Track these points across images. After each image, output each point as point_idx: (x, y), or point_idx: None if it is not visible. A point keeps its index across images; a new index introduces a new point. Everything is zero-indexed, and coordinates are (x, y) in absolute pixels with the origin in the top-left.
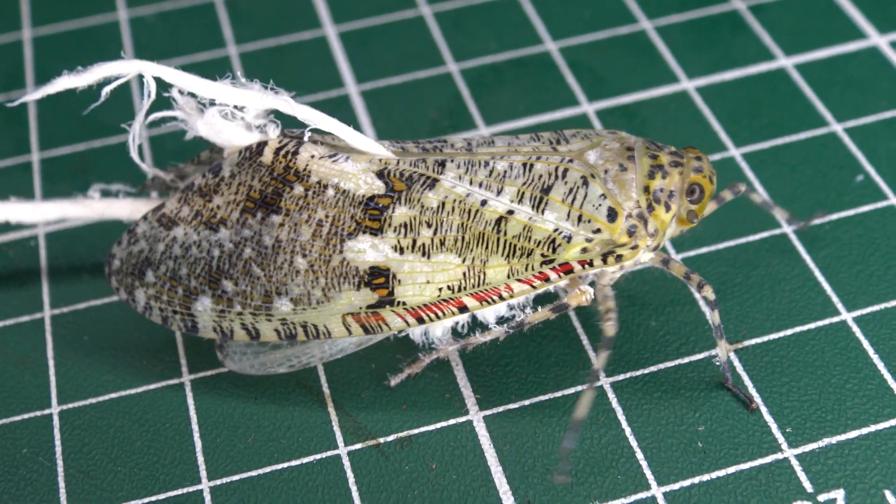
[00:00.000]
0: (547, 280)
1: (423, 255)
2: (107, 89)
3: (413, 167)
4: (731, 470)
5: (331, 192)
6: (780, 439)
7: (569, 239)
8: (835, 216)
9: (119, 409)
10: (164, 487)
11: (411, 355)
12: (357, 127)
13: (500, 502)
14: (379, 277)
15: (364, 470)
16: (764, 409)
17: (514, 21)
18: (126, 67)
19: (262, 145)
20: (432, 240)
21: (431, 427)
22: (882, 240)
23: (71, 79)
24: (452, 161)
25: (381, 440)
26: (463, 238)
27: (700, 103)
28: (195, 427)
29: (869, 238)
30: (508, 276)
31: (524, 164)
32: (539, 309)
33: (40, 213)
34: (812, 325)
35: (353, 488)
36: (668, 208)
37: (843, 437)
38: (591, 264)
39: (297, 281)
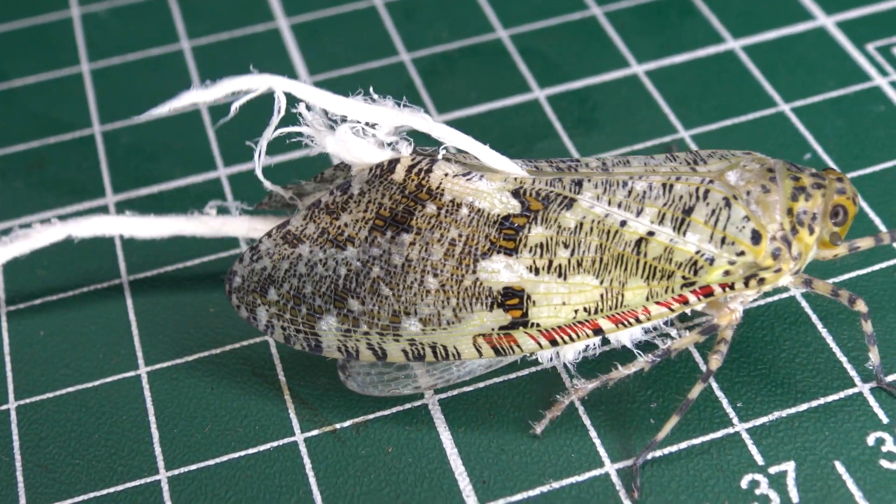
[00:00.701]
0: (686, 303)
1: (560, 276)
2: (236, 104)
3: (549, 186)
4: (684, 445)
5: (465, 210)
6: (731, 414)
7: (711, 261)
8: None
9: (76, 402)
10: (121, 479)
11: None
12: None
13: (456, 483)
14: (513, 298)
15: (321, 456)
16: (714, 385)
17: (466, 9)
18: (256, 82)
19: (393, 163)
20: (569, 260)
21: (387, 412)
22: None
23: (199, 93)
24: (590, 181)
25: (338, 426)
26: (601, 259)
27: (650, 87)
28: (152, 418)
29: None
30: (647, 299)
31: (664, 185)
32: (687, 333)
33: (155, 229)
34: (761, 302)
35: (311, 474)
36: (811, 231)
37: (792, 409)
38: (732, 287)
39: (427, 301)
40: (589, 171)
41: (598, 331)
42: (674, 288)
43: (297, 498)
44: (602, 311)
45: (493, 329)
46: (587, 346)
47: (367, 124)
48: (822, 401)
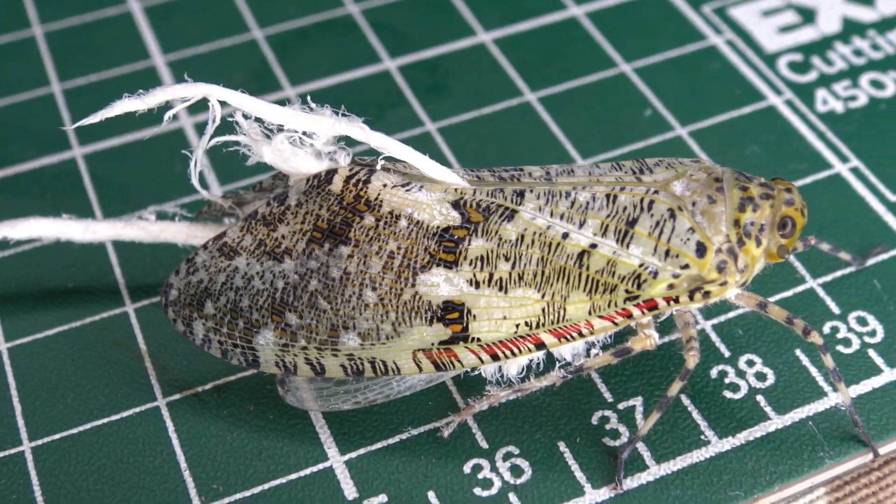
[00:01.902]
0: (629, 317)
1: (501, 289)
2: (169, 113)
3: (491, 197)
4: (537, 386)
5: (404, 222)
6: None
7: (655, 274)
8: (627, 148)
9: None
10: None
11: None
12: None
13: (318, 436)
14: (453, 312)
15: (183, 418)
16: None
17: None
18: (190, 91)
19: (331, 173)
20: (510, 274)
21: (248, 373)
22: None
23: (132, 102)
24: (532, 191)
25: (199, 389)
26: (543, 272)
27: (497, 54)
28: (14, 392)
29: None
30: (590, 313)
31: (607, 196)
32: (600, 353)
33: (92, 233)
34: None
35: (174, 436)
36: (758, 243)
37: (643, 362)
38: (676, 301)
39: (366, 315)
40: (532, 181)
41: (540, 345)
42: (617, 302)
43: (160, 460)
44: (544, 325)
45: (433, 344)
46: (531, 361)
47: (304, 133)
48: (667, 339)
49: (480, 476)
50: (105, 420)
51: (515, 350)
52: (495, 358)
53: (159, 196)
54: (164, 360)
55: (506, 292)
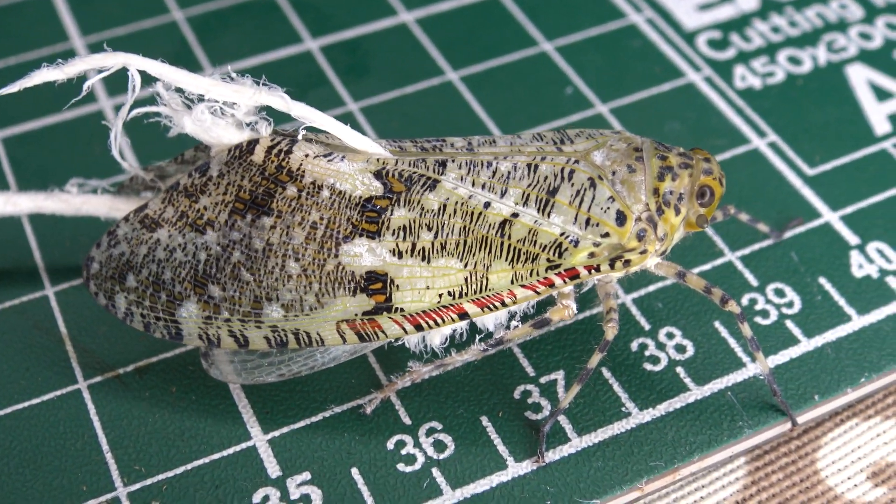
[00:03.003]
0: (552, 285)
1: (423, 259)
2: (88, 83)
3: (413, 167)
4: (459, 361)
5: (326, 193)
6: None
7: (576, 243)
8: (548, 125)
9: None
10: None
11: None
12: None
13: (240, 415)
14: (376, 283)
15: (105, 401)
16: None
17: None
18: (110, 60)
19: (253, 143)
20: (433, 243)
21: (169, 354)
22: None
23: (51, 71)
24: (454, 161)
25: (121, 371)
26: (465, 242)
27: (419, 33)
28: None
29: None
30: (512, 282)
31: (528, 165)
32: (519, 325)
33: (13, 205)
34: None
35: (95, 419)
36: (677, 211)
37: (561, 324)
38: (597, 269)
39: (289, 286)
40: (454, 151)
41: (463, 315)
42: (539, 271)
43: (82, 442)
44: (467, 294)
45: (356, 314)
46: (454, 331)
47: (225, 104)
48: (588, 313)
49: (404, 452)
50: (26, 404)
51: (439, 320)
52: (419, 328)
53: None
54: (84, 343)
55: (429, 262)
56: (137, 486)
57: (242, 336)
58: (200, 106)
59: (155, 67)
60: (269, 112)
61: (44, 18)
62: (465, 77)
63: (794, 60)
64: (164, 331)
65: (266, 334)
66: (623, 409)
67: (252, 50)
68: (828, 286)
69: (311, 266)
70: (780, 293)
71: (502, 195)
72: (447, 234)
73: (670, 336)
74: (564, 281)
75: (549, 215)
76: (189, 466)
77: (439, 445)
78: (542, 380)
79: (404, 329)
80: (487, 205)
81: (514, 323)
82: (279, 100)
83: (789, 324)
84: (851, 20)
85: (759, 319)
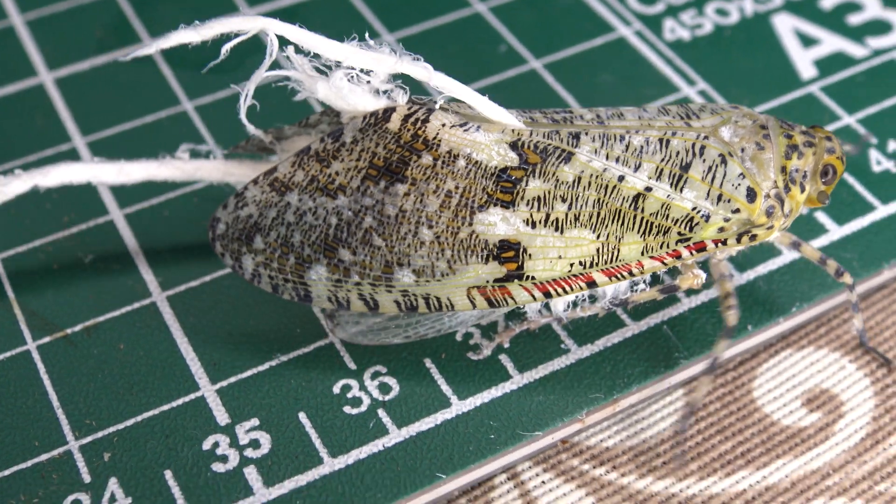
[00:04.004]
0: (678, 257)
1: (557, 229)
2: (226, 46)
3: (547, 139)
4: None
5: (462, 162)
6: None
7: (707, 218)
8: (484, 82)
9: None
10: None
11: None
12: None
13: (188, 368)
14: (508, 251)
15: (54, 360)
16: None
17: None
18: (247, 24)
19: (389, 111)
20: (566, 215)
21: (117, 312)
22: (532, 99)
23: (188, 33)
24: (587, 134)
25: (69, 331)
26: (598, 214)
27: None
28: None
29: (517, 99)
30: (642, 253)
31: (660, 140)
32: (647, 289)
33: (126, 175)
34: None
35: (45, 378)
36: (802, 189)
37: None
38: (724, 243)
39: (422, 252)
40: (585, 123)
41: (591, 284)
42: (669, 243)
43: (33, 400)
44: (597, 264)
45: (487, 281)
46: (576, 298)
47: (361, 71)
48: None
49: (350, 395)
50: None
51: (567, 288)
52: (548, 295)
53: (17, 153)
54: (32, 306)
55: (562, 232)
56: (89, 438)
57: (372, 299)
58: (339, 72)
59: (293, 33)
60: (404, 80)
61: None
62: (401, 38)
63: (722, 12)
64: (292, 292)
65: (396, 298)
66: (562, 345)
67: (189, 21)
68: None
69: (444, 233)
70: None
71: (636, 169)
72: (581, 206)
73: None
74: (692, 253)
75: (681, 190)
76: (139, 418)
77: (384, 388)
78: (484, 322)
79: (533, 296)
80: (622, 178)
81: (640, 287)
82: (422, 70)
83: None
84: None
85: None
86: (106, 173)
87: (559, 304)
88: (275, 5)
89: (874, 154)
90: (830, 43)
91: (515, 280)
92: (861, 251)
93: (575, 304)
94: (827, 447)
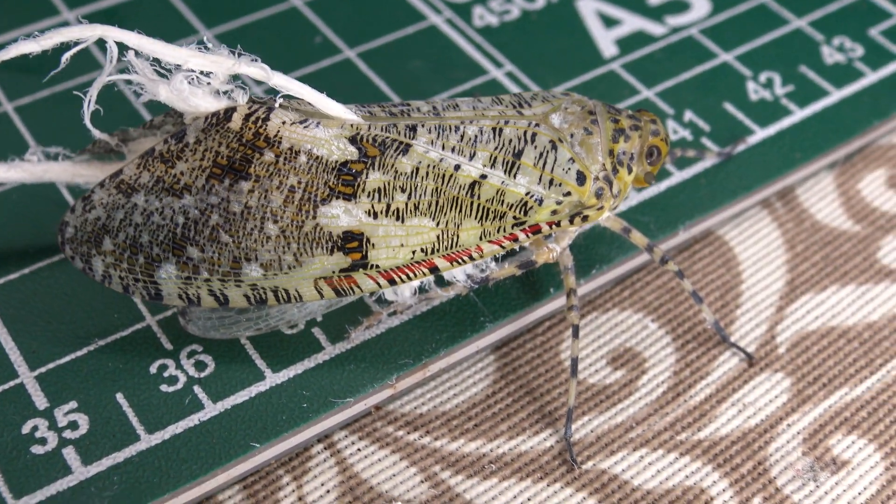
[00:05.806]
0: (515, 240)
1: (398, 219)
2: (67, 55)
3: (385, 132)
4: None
5: (303, 158)
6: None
7: (540, 202)
8: (300, 72)
9: None
10: None
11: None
12: None
13: (8, 357)
14: (352, 241)
15: None
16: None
17: None
18: (87, 32)
19: (230, 111)
20: (406, 204)
21: None
22: (347, 87)
23: (28, 44)
24: (423, 126)
25: None
26: (437, 202)
27: None
28: None
29: (332, 88)
30: (480, 238)
31: (493, 129)
32: (505, 265)
33: None
34: None
35: None
36: (629, 170)
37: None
38: (558, 224)
39: (268, 247)
40: (421, 115)
41: (434, 269)
42: (505, 227)
43: None
44: (438, 251)
45: (333, 272)
46: (422, 283)
47: (201, 73)
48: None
49: (166, 374)
50: None
51: (411, 274)
52: (392, 282)
53: None
54: None
55: (403, 222)
56: None
57: (222, 294)
58: (179, 76)
59: (132, 39)
60: (243, 81)
61: None
62: (219, 35)
63: None
64: (143, 292)
65: (246, 292)
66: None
67: None
68: None
69: (289, 227)
70: None
71: (471, 158)
72: (420, 196)
73: None
74: (528, 236)
75: (515, 176)
76: None
77: (200, 365)
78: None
79: (378, 284)
80: (458, 167)
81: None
82: (259, 70)
83: None
84: None
85: None
86: None
87: (405, 291)
88: (95, 7)
89: (671, 124)
90: (631, 23)
91: (361, 269)
92: (657, 215)
93: (422, 288)
94: (630, 402)
